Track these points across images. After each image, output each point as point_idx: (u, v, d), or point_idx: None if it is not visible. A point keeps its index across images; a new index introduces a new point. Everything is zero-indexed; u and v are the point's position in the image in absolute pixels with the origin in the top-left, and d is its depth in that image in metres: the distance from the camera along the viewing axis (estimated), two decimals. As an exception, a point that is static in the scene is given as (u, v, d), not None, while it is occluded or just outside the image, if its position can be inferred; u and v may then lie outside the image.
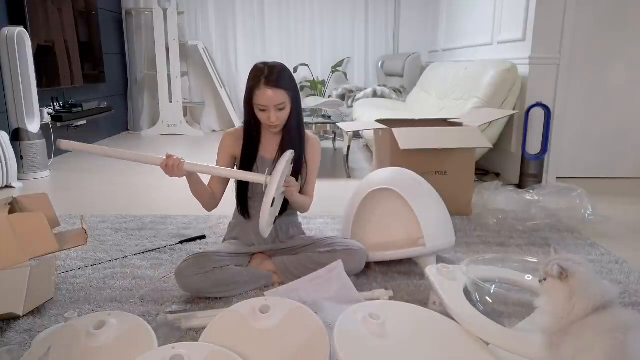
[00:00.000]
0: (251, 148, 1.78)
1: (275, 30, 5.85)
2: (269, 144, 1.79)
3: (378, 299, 1.61)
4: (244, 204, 1.81)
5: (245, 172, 1.66)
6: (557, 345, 1.04)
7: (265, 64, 1.67)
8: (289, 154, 1.61)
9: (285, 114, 1.68)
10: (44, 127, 3.68)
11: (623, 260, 2.01)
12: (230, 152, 1.81)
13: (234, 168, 1.83)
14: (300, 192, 1.81)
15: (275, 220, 1.74)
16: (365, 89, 5.34)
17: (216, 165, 1.77)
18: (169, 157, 1.57)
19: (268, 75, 1.62)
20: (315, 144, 1.83)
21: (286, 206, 1.81)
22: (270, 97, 1.62)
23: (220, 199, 1.82)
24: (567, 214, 2.44)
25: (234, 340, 1.22)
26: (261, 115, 1.68)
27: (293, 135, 1.75)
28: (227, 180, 1.82)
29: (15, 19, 3.60)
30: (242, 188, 1.80)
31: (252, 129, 1.75)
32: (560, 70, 3.17)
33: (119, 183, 3.38)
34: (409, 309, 1.40)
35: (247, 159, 1.78)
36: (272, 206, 1.52)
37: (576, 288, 1.03)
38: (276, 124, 1.68)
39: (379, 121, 2.94)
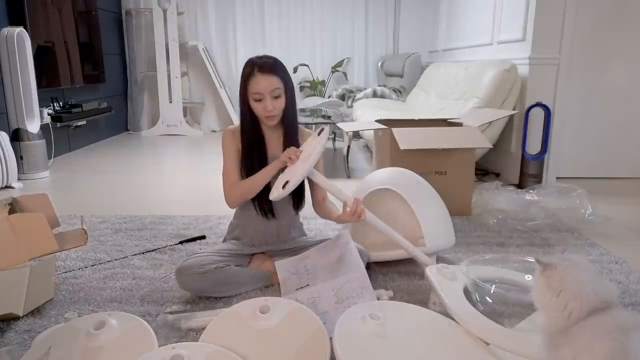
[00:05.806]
0: (261, 148, 1.75)
1: (275, 30, 5.85)
2: (272, 141, 1.77)
3: (378, 299, 1.61)
4: (267, 203, 1.76)
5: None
6: (557, 346, 1.04)
7: (256, 56, 1.69)
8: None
9: (281, 103, 1.67)
10: (43, 128, 3.68)
11: (623, 261, 2.01)
12: (235, 148, 1.76)
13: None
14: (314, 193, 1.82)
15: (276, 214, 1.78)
16: (365, 89, 5.34)
17: (226, 162, 1.76)
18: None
19: (261, 63, 1.64)
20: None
21: (299, 206, 1.82)
22: (264, 83, 1.62)
23: None
24: (567, 214, 2.44)
25: (234, 341, 1.22)
26: (257, 106, 1.66)
27: (293, 128, 1.75)
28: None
29: (15, 19, 3.60)
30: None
31: (250, 126, 1.73)
32: (560, 70, 3.18)
33: (119, 183, 3.38)
34: (409, 309, 1.40)
35: (256, 160, 1.73)
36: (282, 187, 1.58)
37: (566, 289, 1.03)
38: (273, 114, 1.67)
39: (379, 121, 2.94)
